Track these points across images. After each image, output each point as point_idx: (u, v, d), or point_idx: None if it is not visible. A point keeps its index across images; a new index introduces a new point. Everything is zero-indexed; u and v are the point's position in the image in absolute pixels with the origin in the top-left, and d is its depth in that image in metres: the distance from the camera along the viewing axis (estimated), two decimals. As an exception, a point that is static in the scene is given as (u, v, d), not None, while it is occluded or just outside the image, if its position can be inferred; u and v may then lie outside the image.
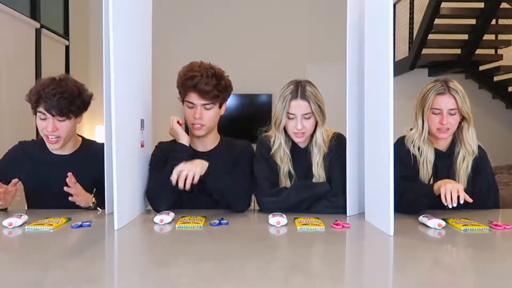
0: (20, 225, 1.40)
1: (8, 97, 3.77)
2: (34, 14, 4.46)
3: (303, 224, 1.41)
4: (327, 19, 5.39)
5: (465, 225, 1.39)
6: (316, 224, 1.40)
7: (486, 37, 5.05)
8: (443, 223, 1.39)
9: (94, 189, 1.67)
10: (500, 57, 5.29)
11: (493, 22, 5.02)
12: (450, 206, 1.44)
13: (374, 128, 1.47)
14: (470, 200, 1.45)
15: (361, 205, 1.63)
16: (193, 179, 1.52)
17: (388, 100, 1.30)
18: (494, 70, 5.24)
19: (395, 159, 1.31)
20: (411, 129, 1.75)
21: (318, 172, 1.70)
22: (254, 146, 1.79)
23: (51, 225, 1.39)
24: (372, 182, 1.51)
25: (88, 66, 5.35)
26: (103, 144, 1.61)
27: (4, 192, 1.56)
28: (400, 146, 1.71)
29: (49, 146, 1.71)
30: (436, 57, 5.33)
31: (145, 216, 1.61)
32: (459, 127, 1.69)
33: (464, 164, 1.69)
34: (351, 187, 1.62)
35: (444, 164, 1.70)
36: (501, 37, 5.34)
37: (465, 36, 5.12)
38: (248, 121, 4.84)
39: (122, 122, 1.44)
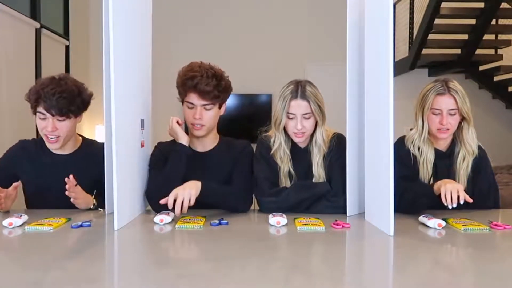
0: (20, 225, 1.40)
1: (8, 97, 3.77)
2: (34, 14, 4.46)
3: (303, 224, 1.41)
4: (327, 19, 5.39)
5: (465, 225, 1.39)
6: (316, 224, 1.41)
7: (486, 37, 5.05)
8: (443, 223, 1.39)
9: (95, 191, 1.67)
10: (500, 57, 5.30)
11: (493, 22, 5.02)
12: (450, 207, 1.44)
13: (374, 128, 1.47)
14: (470, 200, 1.45)
15: (361, 205, 1.63)
16: (189, 202, 1.50)
17: (388, 100, 1.30)
18: (494, 70, 5.24)
19: (395, 159, 1.31)
20: (411, 129, 1.75)
21: (318, 172, 1.70)
22: (254, 146, 1.79)
23: (51, 225, 1.39)
24: (372, 182, 1.51)
25: (88, 66, 5.35)
26: (103, 143, 1.61)
27: (5, 197, 1.56)
28: (400, 146, 1.71)
29: (48, 145, 1.71)
30: (436, 57, 5.33)
31: (145, 216, 1.61)
32: (459, 127, 1.69)
33: (464, 164, 1.69)
34: (351, 187, 1.62)
35: (444, 164, 1.70)
36: (501, 37, 5.34)
37: (465, 36, 5.12)
38: (248, 121, 4.85)
39: (122, 122, 1.44)
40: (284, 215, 1.47)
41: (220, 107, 1.71)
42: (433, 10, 4.70)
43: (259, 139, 1.78)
